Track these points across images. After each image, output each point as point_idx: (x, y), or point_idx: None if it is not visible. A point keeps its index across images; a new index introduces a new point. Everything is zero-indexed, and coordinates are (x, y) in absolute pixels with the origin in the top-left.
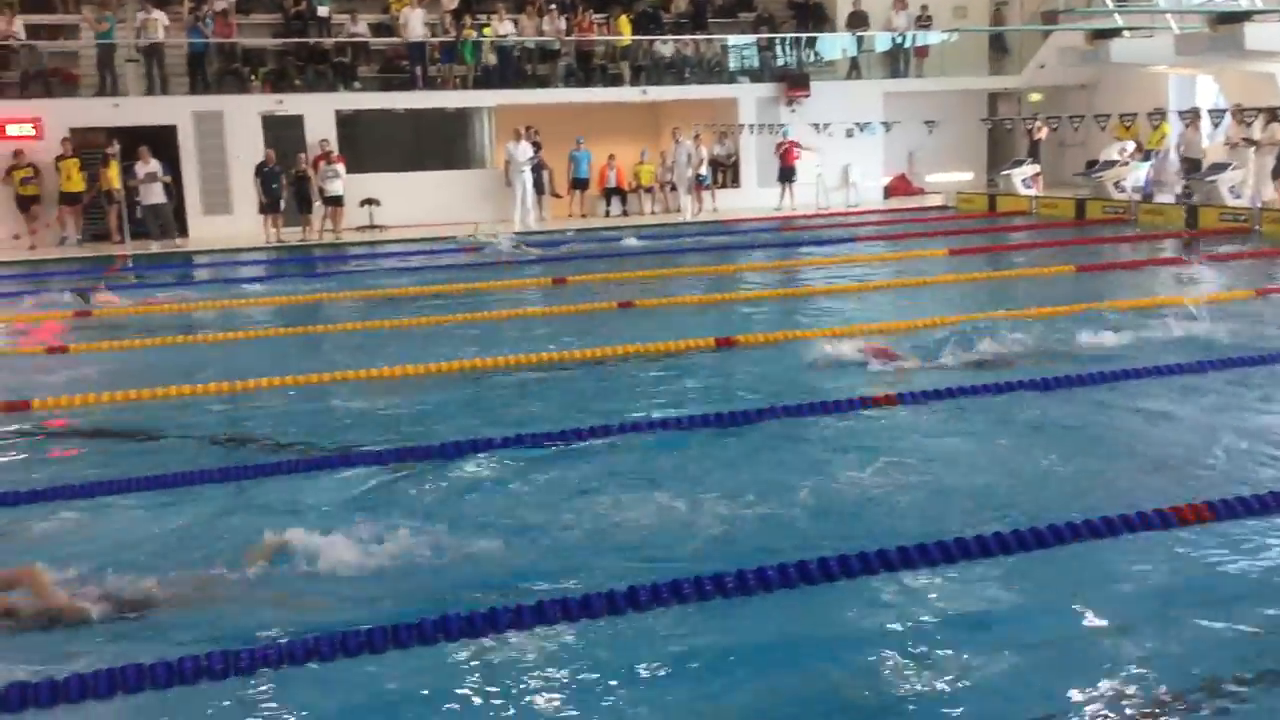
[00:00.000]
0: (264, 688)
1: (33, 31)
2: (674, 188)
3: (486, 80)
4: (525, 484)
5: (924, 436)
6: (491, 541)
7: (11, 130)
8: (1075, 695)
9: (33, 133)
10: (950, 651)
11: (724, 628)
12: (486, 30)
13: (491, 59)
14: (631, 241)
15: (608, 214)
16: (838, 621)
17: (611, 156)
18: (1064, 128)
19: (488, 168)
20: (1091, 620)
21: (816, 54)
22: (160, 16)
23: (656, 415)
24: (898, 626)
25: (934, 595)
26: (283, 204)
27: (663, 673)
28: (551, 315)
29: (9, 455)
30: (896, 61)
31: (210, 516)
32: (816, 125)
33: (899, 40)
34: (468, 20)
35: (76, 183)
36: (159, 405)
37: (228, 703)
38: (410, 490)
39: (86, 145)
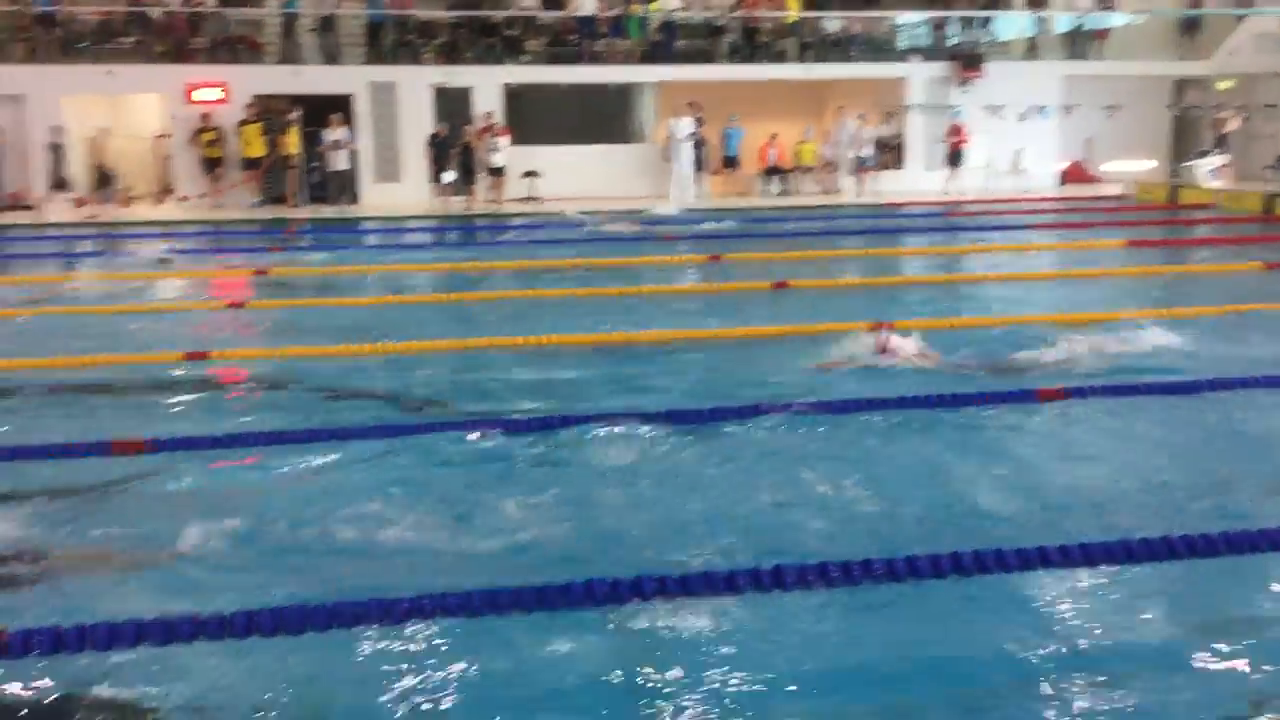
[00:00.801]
0: (415, 635)
1: None
2: (836, 168)
3: (651, 55)
4: (672, 458)
5: (1091, 432)
6: (627, 513)
7: (200, 95)
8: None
9: (220, 97)
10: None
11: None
12: (654, 6)
13: (657, 34)
14: (712, 225)
15: (767, 193)
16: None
17: (774, 135)
18: (1255, 118)
19: (648, 143)
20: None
21: (992, 33)
22: None
23: (806, 397)
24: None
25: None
26: (449, 174)
27: (804, 656)
28: (703, 293)
29: (188, 401)
30: (1076, 43)
31: (365, 470)
32: (989, 107)
33: (1081, 21)
34: None
35: (257, 148)
36: (326, 361)
37: (383, 643)
38: (552, 458)
39: (268, 111)
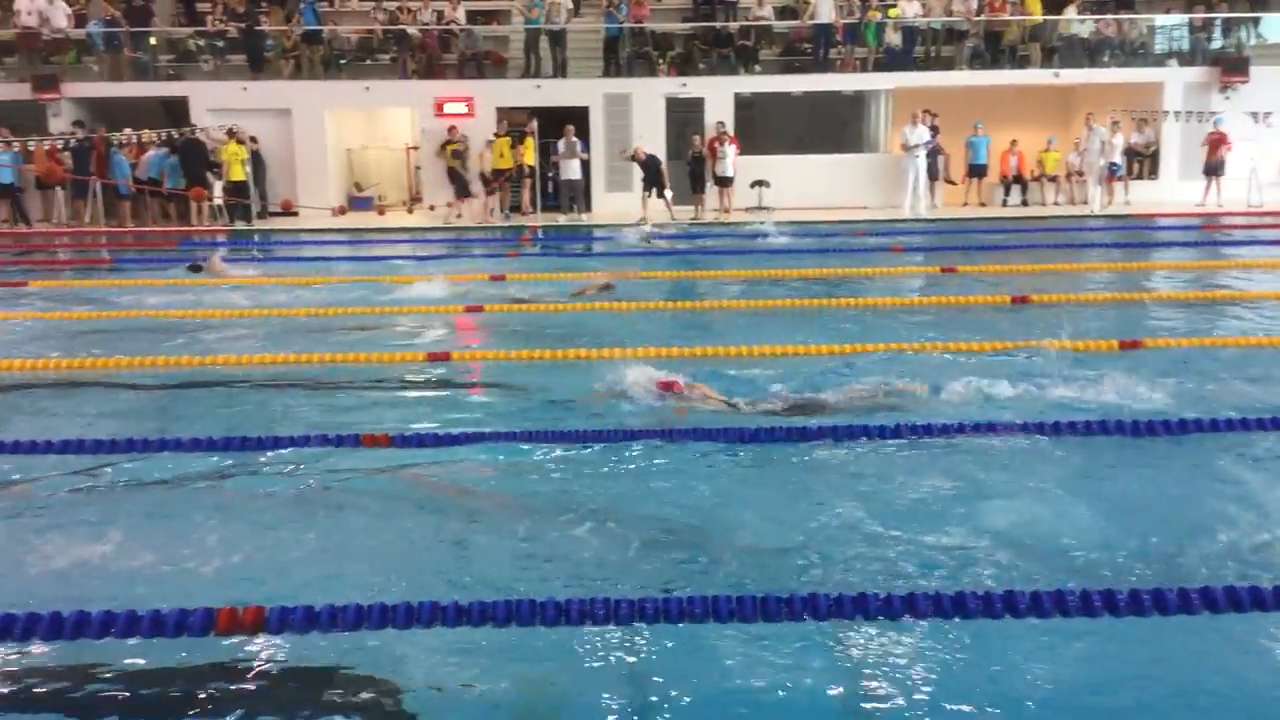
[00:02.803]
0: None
1: (471, 17)
2: (1082, 177)
3: (887, 62)
4: (900, 477)
5: None
6: (847, 527)
7: (448, 109)
8: None
9: (465, 111)
10: None
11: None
12: (893, 12)
13: (895, 40)
14: (771, 238)
15: (1005, 203)
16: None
17: (1014, 142)
18: None
19: (880, 152)
20: None
21: (1260, 35)
22: (565, 0)
23: (1048, 416)
24: None
25: None
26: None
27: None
28: (934, 305)
29: (430, 398)
30: None
31: (581, 473)
32: (1255, 115)
33: None
34: (873, 1)
35: (507, 160)
36: (554, 365)
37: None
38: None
39: (511, 124)
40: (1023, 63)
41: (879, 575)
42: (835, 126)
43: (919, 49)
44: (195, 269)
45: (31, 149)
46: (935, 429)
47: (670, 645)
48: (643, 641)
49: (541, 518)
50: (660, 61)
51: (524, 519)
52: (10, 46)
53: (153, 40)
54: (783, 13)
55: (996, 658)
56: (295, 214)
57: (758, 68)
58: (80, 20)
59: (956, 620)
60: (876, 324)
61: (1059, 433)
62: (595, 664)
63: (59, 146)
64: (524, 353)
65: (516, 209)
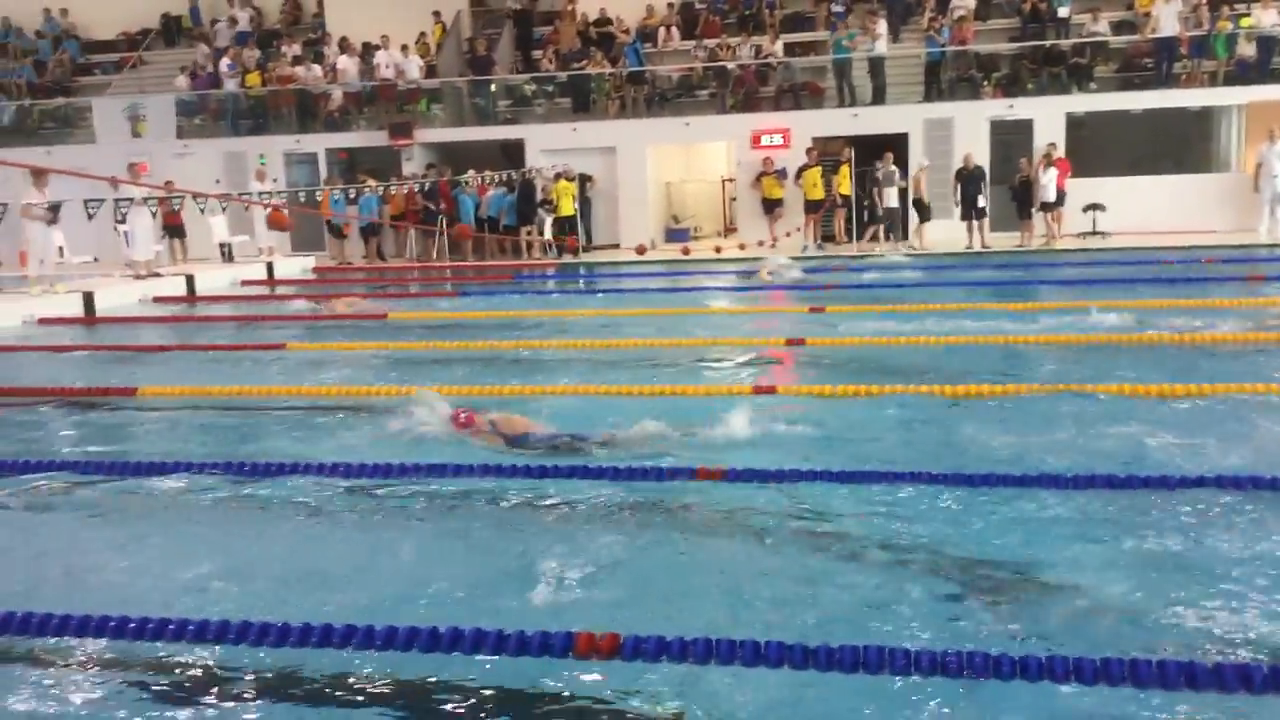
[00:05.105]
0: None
1: (789, 49)
2: None
3: (1238, 75)
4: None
5: None
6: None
7: (765, 140)
8: None
9: (781, 142)
10: None
11: None
12: (1245, 21)
13: (1248, 51)
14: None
15: None
16: None
17: None
18: None
19: (1232, 171)
20: None
21: None
22: (878, 26)
23: None
24: None
25: None
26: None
27: None
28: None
29: (758, 433)
30: None
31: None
32: None
33: None
34: (1224, 11)
35: (819, 190)
36: (888, 399)
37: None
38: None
39: (825, 153)
40: None
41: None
42: (1178, 145)
43: (1277, 59)
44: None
45: (393, 191)
46: None
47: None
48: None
49: (876, 560)
50: (985, 83)
51: (861, 560)
52: (371, 97)
53: (492, 87)
54: (1119, 27)
55: None
56: (616, 245)
57: (1092, 85)
58: (430, 71)
59: None
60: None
61: None
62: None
63: (414, 189)
64: (849, 387)
65: (830, 239)
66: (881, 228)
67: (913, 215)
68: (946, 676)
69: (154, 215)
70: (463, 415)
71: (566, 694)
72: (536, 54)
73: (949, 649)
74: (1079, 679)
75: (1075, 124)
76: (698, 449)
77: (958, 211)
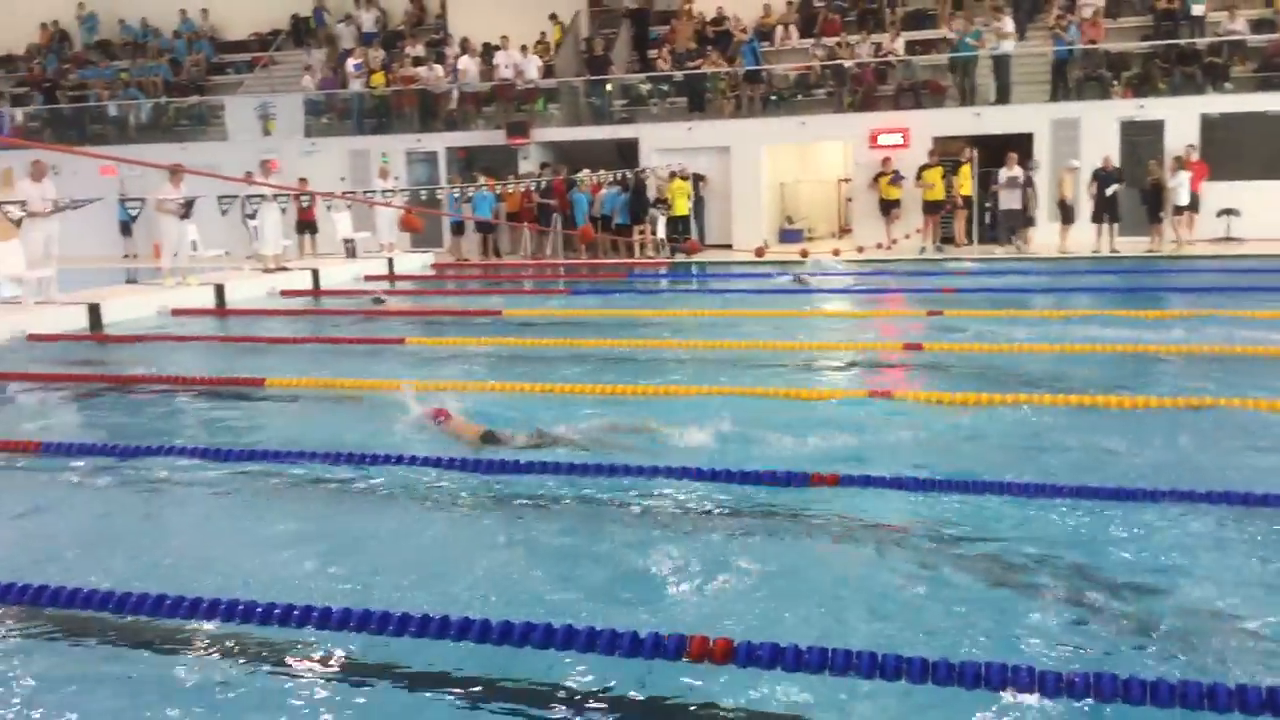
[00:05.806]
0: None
1: (909, 47)
2: None
3: None
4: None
5: None
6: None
7: (883, 140)
8: None
9: (900, 142)
10: None
11: None
12: None
13: None
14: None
15: None
16: None
17: None
18: None
19: None
20: None
21: None
22: (1005, 24)
23: None
24: None
25: None
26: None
27: None
28: None
29: (875, 439)
30: None
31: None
32: None
33: None
34: None
35: (938, 191)
36: (981, 409)
37: None
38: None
39: (945, 153)
40: None
41: None
42: None
43: None
44: (378, 302)
45: (510, 190)
46: None
47: None
48: None
49: (995, 573)
50: (1114, 83)
51: (977, 573)
52: (490, 97)
53: (608, 86)
54: (1258, 25)
55: None
56: (729, 247)
57: (1228, 85)
58: (548, 71)
59: None
60: None
61: None
62: None
63: (532, 187)
64: (968, 395)
65: (950, 240)
66: (1005, 231)
67: (1041, 217)
68: (1073, 698)
69: (283, 211)
70: (436, 411)
71: (675, 700)
72: (652, 53)
73: (1075, 670)
74: (1212, 705)
75: (1210, 125)
76: (810, 454)
77: (1089, 213)
